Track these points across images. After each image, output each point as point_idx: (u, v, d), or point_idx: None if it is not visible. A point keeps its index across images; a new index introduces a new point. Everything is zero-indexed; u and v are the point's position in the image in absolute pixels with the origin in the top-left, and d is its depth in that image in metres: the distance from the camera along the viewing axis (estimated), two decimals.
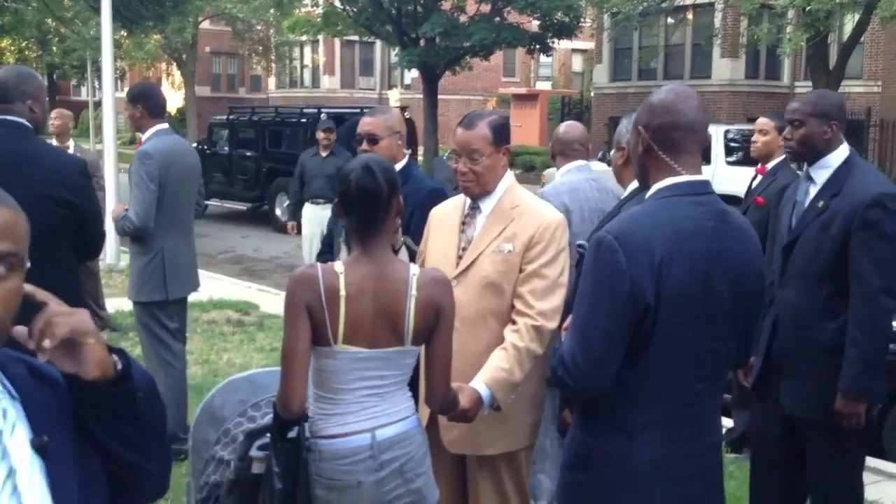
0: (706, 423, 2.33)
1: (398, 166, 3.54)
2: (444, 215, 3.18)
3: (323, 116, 14.45)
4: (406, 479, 2.50)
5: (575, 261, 3.47)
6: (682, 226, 2.20)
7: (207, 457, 2.68)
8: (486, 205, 3.07)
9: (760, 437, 3.68)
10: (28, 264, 1.48)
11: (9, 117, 3.40)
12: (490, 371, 2.87)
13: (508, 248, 2.97)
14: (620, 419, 2.24)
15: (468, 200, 3.11)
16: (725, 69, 23.42)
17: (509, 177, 3.11)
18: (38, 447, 1.49)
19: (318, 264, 2.47)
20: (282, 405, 2.41)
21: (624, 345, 2.17)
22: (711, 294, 2.20)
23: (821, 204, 3.35)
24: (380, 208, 2.46)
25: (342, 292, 2.40)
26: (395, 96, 34.73)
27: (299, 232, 9.11)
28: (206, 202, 16.97)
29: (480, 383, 2.84)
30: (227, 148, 17.01)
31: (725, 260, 2.22)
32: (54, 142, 7.78)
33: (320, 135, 9.06)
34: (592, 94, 27.82)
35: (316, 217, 8.83)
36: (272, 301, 9.12)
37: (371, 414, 2.47)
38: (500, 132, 3.06)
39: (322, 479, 2.45)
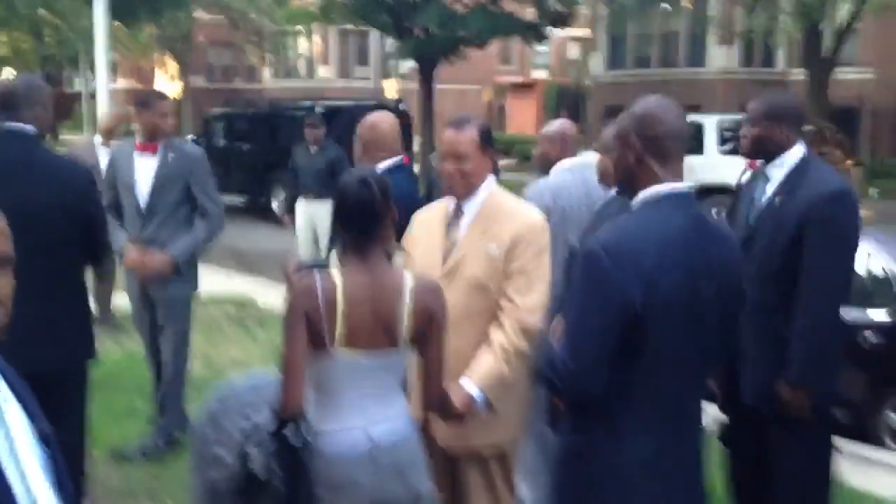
0: (691, 419, 2.44)
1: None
2: (429, 219, 3.26)
3: (318, 110, 14.53)
4: (404, 478, 2.59)
5: (566, 261, 3.55)
6: (668, 234, 2.29)
7: (207, 456, 2.76)
8: (470, 208, 3.15)
9: (730, 431, 3.76)
10: None
11: (18, 126, 3.52)
12: (480, 371, 2.96)
13: (494, 248, 3.05)
14: (609, 417, 2.32)
15: (451, 204, 3.20)
16: (720, 57, 23.48)
17: (491, 180, 3.19)
18: (43, 436, 1.68)
19: (318, 274, 2.56)
20: (281, 406, 2.49)
21: (613, 351, 2.26)
22: (697, 300, 2.29)
23: (777, 201, 3.44)
24: (376, 219, 2.56)
25: (340, 300, 2.49)
26: (391, 86, 34.72)
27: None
28: None
29: (472, 385, 2.93)
30: (223, 141, 17.05)
31: (709, 266, 2.31)
32: (99, 138, 7.80)
33: (306, 130, 9.15)
34: (589, 83, 27.85)
35: (308, 211, 8.97)
36: (270, 295, 9.20)
37: (368, 416, 2.56)
38: (487, 136, 3.15)
39: (322, 479, 2.53)
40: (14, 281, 1.69)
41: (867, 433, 5.40)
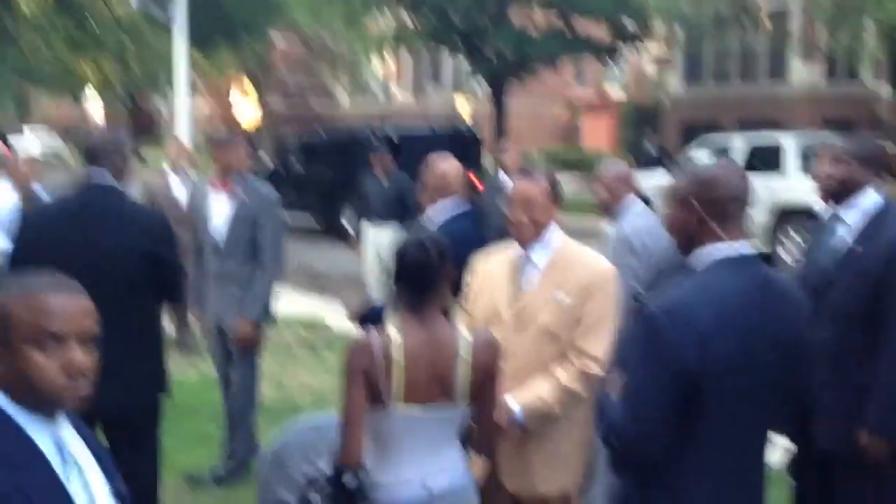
0: (752, 477, 2.41)
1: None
2: (492, 268, 3.30)
3: (393, 138, 14.75)
4: None
5: (632, 309, 3.53)
6: (729, 298, 2.28)
7: (272, 498, 2.82)
8: (540, 257, 3.19)
9: (800, 474, 3.76)
10: None
11: (99, 176, 3.75)
12: (531, 399, 3.05)
13: (566, 299, 3.09)
14: (668, 477, 2.31)
15: (519, 253, 3.23)
16: (803, 72, 22.96)
17: (561, 231, 3.24)
18: (117, 493, 1.83)
19: (375, 332, 2.64)
20: (340, 458, 2.57)
21: (673, 415, 2.25)
22: (758, 363, 2.28)
23: (857, 248, 3.41)
24: (433, 280, 2.64)
25: (398, 358, 2.56)
26: (465, 105, 34.89)
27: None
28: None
29: (516, 404, 3.04)
30: (299, 166, 17.50)
31: (772, 328, 2.30)
32: (169, 169, 8.04)
33: (374, 160, 9.34)
34: (665, 100, 27.55)
35: (375, 238, 9.12)
36: (342, 319, 9.28)
37: (425, 467, 2.62)
38: (556, 185, 3.23)
39: None
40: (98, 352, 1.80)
41: None
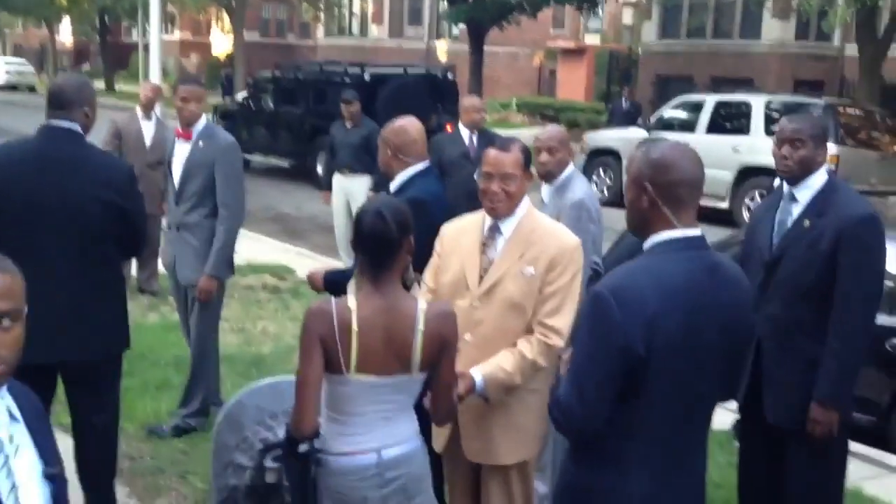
0: (694, 457, 2.48)
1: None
2: (459, 235, 3.31)
3: (361, 76, 14.49)
4: (408, 495, 2.70)
5: (587, 277, 3.64)
6: (676, 280, 2.30)
7: (227, 461, 2.90)
8: (507, 227, 3.21)
9: (747, 443, 3.87)
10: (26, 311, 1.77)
11: (66, 123, 3.61)
12: (493, 368, 3.09)
13: (531, 270, 3.13)
14: (613, 455, 2.37)
15: (487, 221, 3.25)
16: (775, 29, 23.02)
17: (527, 201, 3.26)
18: (50, 476, 1.81)
19: (333, 299, 2.64)
20: (294, 427, 2.60)
21: (616, 392, 2.30)
22: (702, 345, 2.32)
23: (806, 223, 3.51)
24: (390, 251, 2.64)
25: (354, 327, 2.57)
26: (442, 47, 34.56)
27: None
28: (248, 157, 16.99)
29: (479, 374, 3.08)
30: (271, 104, 17.13)
31: (717, 311, 2.33)
32: (139, 111, 7.87)
33: (342, 107, 9.09)
34: (640, 51, 27.46)
35: (343, 187, 9.03)
36: (309, 265, 9.29)
37: (378, 435, 2.66)
38: (528, 157, 3.25)
39: (330, 493, 2.64)
40: (22, 334, 1.76)
41: (889, 438, 5.40)
